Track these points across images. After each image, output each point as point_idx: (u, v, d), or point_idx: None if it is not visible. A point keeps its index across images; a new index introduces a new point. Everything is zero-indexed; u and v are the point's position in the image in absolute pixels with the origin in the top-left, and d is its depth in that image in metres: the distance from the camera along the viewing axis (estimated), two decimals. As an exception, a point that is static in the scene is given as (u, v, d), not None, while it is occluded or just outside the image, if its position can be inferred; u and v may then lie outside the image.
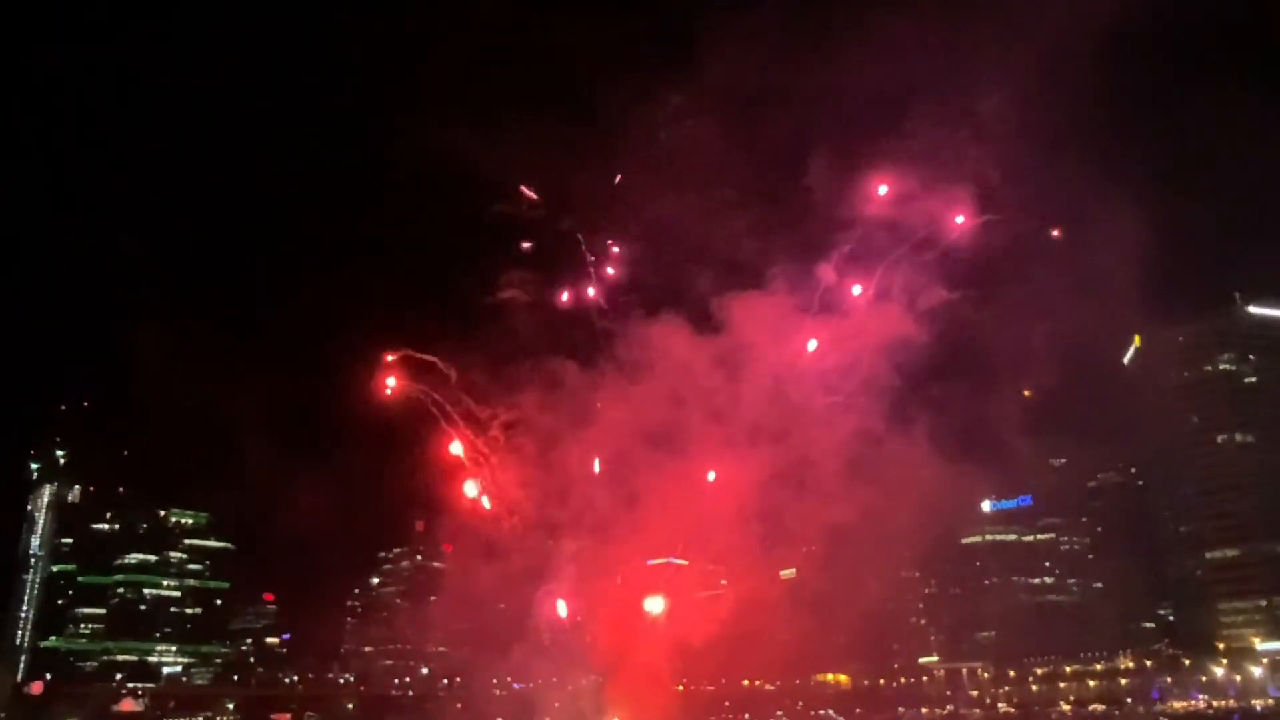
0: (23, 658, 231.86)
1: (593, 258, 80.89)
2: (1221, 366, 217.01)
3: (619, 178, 78.05)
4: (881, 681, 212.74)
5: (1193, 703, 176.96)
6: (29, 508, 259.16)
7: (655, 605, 74.40)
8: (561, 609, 79.53)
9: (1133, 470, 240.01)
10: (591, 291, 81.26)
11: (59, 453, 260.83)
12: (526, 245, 78.89)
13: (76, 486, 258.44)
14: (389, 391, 77.96)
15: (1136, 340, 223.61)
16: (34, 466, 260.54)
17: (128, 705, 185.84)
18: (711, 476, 74.23)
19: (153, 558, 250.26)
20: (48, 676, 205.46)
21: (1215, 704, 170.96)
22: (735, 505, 73.87)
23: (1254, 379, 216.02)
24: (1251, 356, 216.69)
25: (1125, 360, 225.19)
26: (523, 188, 77.37)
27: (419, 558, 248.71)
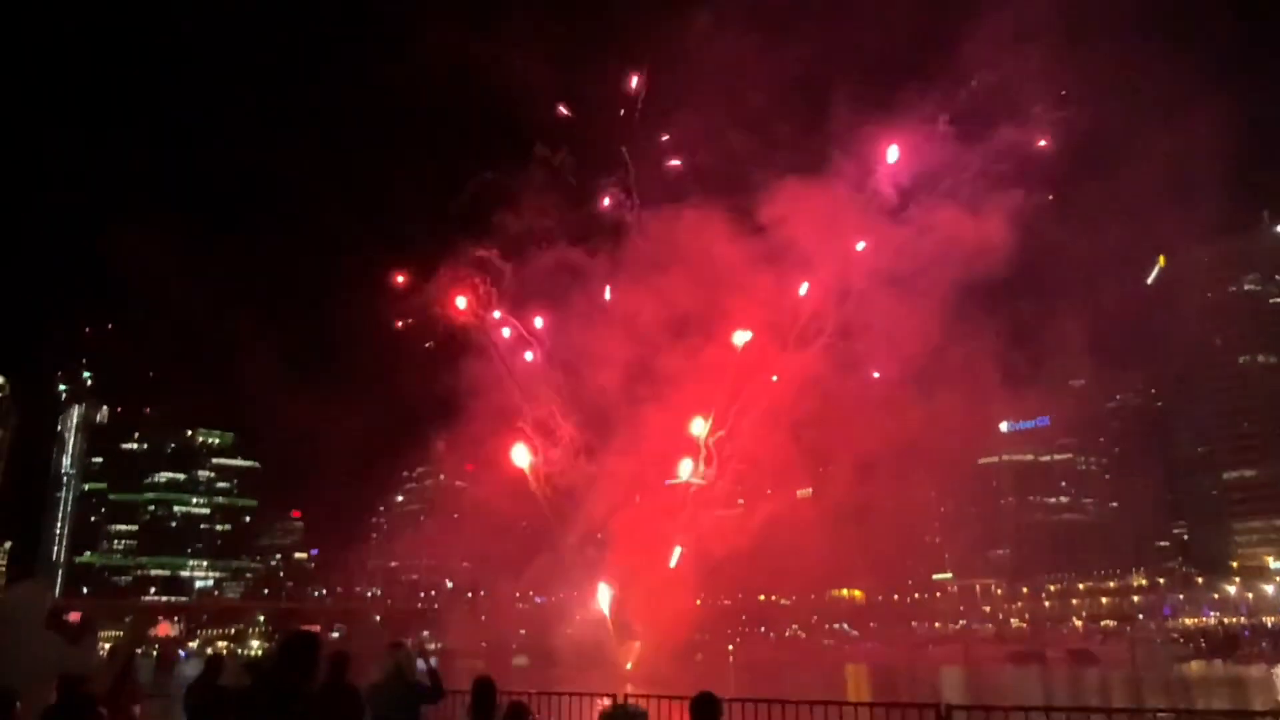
0: (60, 572, 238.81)
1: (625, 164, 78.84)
2: (1246, 287, 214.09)
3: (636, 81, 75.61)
4: (895, 597, 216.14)
5: (1204, 619, 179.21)
6: (59, 428, 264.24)
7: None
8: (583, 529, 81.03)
9: (1152, 391, 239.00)
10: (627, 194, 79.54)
11: (86, 374, 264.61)
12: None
13: (104, 407, 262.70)
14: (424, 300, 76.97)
15: (1161, 260, 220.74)
16: (62, 388, 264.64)
17: (164, 629, 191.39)
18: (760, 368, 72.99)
19: (181, 476, 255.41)
20: (85, 590, 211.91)
21: (1226, 620, 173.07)
22: (759, 419, 74.44)
23: (1279, 300, 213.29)
24: (1278, 277, 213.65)
25: (1149, 280, 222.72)
26: (561, 107, 75.80)
27: (441, 477, 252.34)
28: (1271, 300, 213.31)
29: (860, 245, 71.74)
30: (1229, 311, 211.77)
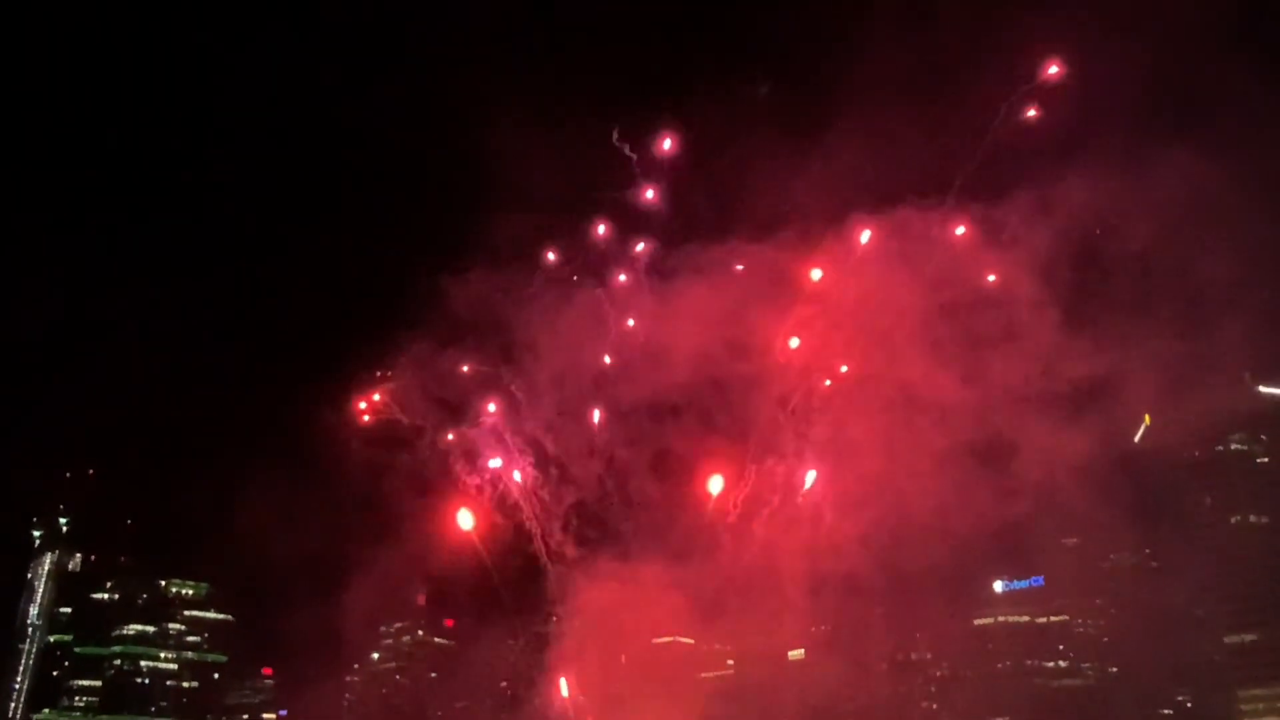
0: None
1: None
2: (1234, 446, 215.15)
3: None
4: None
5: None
6: (29, 575, 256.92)
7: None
8: (564, 687, 77.61)
9: (1147, 551, 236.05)
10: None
11: (62, 520, 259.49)
12: None
13: (78, 554, 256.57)
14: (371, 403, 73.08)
15: (1146, 419, 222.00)
16: (36, 534, 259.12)
17: None
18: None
19: (151, 629, 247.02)
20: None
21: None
22: (745, 581, 72.34)
23: (1266, 459, 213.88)
24: (1263, 436, 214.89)
25: (1135, 439, 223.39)
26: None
27: (420, 632, 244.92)
28: (1259, 460, 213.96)
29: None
30: (1218, 471, 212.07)
